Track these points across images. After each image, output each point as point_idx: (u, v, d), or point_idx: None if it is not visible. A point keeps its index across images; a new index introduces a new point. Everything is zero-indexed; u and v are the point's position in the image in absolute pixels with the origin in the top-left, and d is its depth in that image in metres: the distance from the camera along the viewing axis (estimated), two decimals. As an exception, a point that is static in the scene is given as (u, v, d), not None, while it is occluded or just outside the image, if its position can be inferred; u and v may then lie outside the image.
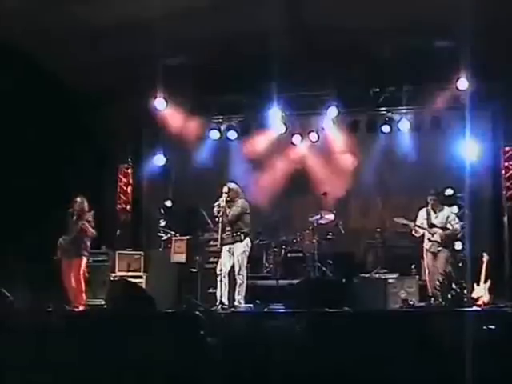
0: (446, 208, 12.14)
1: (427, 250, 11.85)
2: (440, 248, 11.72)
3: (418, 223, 11.90)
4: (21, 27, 11.64)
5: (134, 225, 15.94)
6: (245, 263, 11.00)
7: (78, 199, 11.54)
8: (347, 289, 11.58)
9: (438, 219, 11.85)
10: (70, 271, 11.33)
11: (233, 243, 10.90)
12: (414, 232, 11.97)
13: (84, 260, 11.49)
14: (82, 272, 11.40)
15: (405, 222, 12.03)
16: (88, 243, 11.57)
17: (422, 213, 11.98)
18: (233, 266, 10.91)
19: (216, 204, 11.01)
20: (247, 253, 11.05)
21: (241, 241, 10.96)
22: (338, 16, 11.85)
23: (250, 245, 11.14)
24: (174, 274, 12.44)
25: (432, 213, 11.90)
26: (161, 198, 15.73)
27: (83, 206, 11.51)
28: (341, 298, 9.82)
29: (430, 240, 11.79)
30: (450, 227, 11.82)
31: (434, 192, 12.04)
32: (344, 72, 13.77)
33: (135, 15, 11.59)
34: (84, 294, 11.40)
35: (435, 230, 11.75)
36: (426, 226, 11.82)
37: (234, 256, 10.89)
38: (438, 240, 11.71)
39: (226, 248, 10.92)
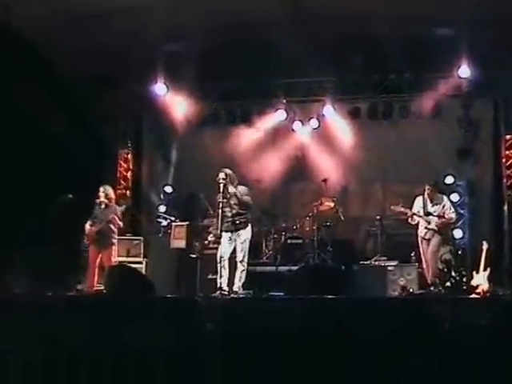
0: (442, 197, 12.12)
1: (422, 237, 11.86)
2: (434, 234, 11.73)
3: (414, 211, 11.91)
4: (19, 12, 11.58)
5: (133, 210, 15.95)
6: (247, 251, 10.95)
7: (102, 189, 11.69)
8: (347, 276, 11.59)
9: (434, 208, 11.84)
10: (95, 258, 11.47)
11: (236, 230, 10.84)
12: (410, 220, 11.97)
13: (113, 248, 11.74)
14: (113, 259, 11.70)
15: (402, 209, 12.03)
16: (116, 231, 11.73)
17: (419, 201, 11.98)
18: (233, 253, 10.86)
19: (222, 191, 10.88)
20: (249, 240, 11.01)
21: (244, 228, 10.92)
22: (340, 2, 11.82)
23: (251, 232, 11.09)
24: (173, 260, 12.43)
25: (428, 201, 11.88)
26: (161, 184, 15.76)
27: (110, 195, 11.69)
28: (340, 285, 9.82)
29: (426, 228, 11.79)
30: (446, 216, 11.82)
31: (433, 182, 12.01)
32: (345, 58, 13.74)
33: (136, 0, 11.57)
34: None
35: (431, 218, 11.75)
36: (422, 213, 11.82)
37: (235, 243, 10.83)
38: (434, 228, 11.72)
39: (227, 235, 10.84)
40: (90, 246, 11.57)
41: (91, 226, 11.52)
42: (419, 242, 11.94)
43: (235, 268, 10.82)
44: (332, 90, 14.76)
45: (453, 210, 12.05)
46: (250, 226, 11.02)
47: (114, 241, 11.75)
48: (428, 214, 11.78)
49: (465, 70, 13.50)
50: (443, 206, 11.89)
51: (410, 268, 12.22)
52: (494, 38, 12.51)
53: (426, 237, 11.80)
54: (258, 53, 12.93)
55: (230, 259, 10.83)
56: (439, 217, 11.77)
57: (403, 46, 12.67)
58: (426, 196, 11.89)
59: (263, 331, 7.06)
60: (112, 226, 11.57)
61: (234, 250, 10.83)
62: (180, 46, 13.25)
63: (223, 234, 10.82)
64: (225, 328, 7.18)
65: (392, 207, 12.28)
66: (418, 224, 11.96)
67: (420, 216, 11.82)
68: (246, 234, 10.89)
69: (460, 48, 12.93)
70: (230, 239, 10.80)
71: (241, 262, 10.80)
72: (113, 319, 7.43)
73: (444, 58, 13.09)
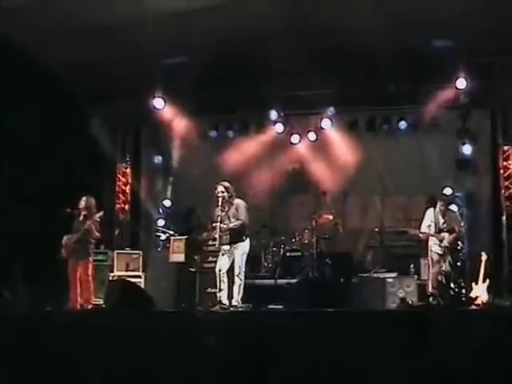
0: (453, 210, 12.04)
1: (435, 252, 11.64)
2: (447, 250, 11.59)
3: (425, 225, 11.70)
4: (22, 24, 11.64)
5: (132, 224, 15.95)
6: (244, 264, 10.90)
7: (84, 198, 11.39)
8: (346, 288, 11.59)
9: (445, 223, 11.68)
10: (75, 271, 11.18)
11: (234, 243, 10.81)
12: (421, 235, 11.81)
13: (91, 260, 11.40)
14: (90, 272, 11.31)
15: (417, 232, 11.81)
16: (93, 243, 11.48)
17: (430, 214, 11.75)
18: (231, 266, 10.83)
19: (219, 205, 10.87)
20: (247, 253, 10.99)
21: (242, 241, 10.89)
22: (337, 15, 11.87)
23: (249, 245, 11.06)
24: (172, 274, 12.41)
25: (440, 217, 11.71)
26: (159, 198, 15.75)
27: (91, 206, 11.37)
28: (339, 298, 9.83)
29: (439, 245, 11.62)
30: (457, 230, 11.68)
31: (445, 196, 11.92)
32: (343, 71, 13.78)
33: (135, 14, 11.60)
34: (92, 294, 11.34)
35: (443, 235, 11.59)
36: (433, 228, 11.62)
37: (233, 256, 10.80)
38: (447, 245, 11.56)
39: (225, 248, 10.82)
40: (69, 259, 11.22)
41: (69, 237, 11.25)
42: (429, 254, 11.74)
43: (233, 282, 10.78)
44: (330, 102, 14.77)
45: (462, 223, 11.93)
46: (248, 238, 10.97)
47: (91, 252, 11.42)
48: (440, 231, 11.62)
49: (462, 81, 13.52)
50: (454, 220, 11.74)
51: (409, 280, 12.19)
52: (491, 48, 12.60)
53: (440, 252, 11.60)
54: (257, 66, 12.97)
55: (228, 272, 10.79)
56: (449, 231, 11.61)
57: (401, 58, 12.71)
58: (437, 210, 11.72)
59: (262, 344, 7.05)
60: (89, 237, 11.27)
61: (233, 263, 10.80)
62: (178, 60, 13.29)
63: (221, 247, 10.82)
64: (225, 341, 7.18)
65: (409, 231, 12.09)
66: (427, 237, 11.79)
67: (434, 235, 11.64)
68: (244, 246, 10.86)
69: (457, 59, 12.96)
70: (229, 252, 10.78)
71: (238, 275, 10.77)
72: (112, 333, 7.44)
73: (442, 69, 13.13)
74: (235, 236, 10.82)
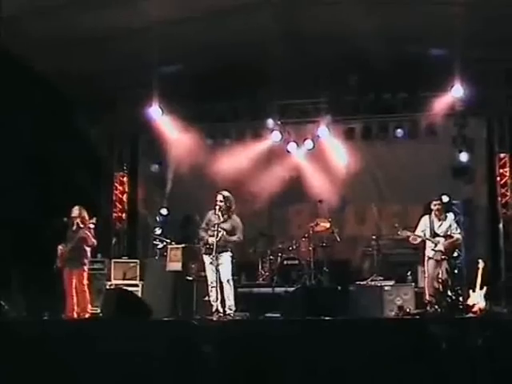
0: (448, 216, 12.03)
1: (430, 257, 11.61)
2: (444, 256, 11.56)
3: (419, 230, 11.70)
4: (21, 33, 11.65)
5: (129, 233, 15.93)
6: (230, 271, 10.99)
7: (76, 208, 11.43)
8: (343, 296, 11.58)
9: (441, 228, 11.67)
10: (71, 280, 11.20)
11: (222, 252, 10.84)
12: (412, 240, 11.80)
13: (86, 269, 11.41)
14: (85, 281, 11.33)
15: (409, 234, 11.82)
16: (88, 252, 11.47)
17: (425, 220, 11.75)
18: (220, 274, 10.87)
19: (220, 213, 10.90)
20: (230, 261, 11.04)
21: (225, 252, 10.92)
22: (334, 24, 11.90)
23: (231, 255, 11.13)
24: (169, 283, 12.40)
25: (435, 221, 11.69)
26: (156, 207, 15.73)
27: (83, 215, 11.39)
28: (337, 306, 9.82)
29: (433, 249, 11.61)
30: (453, 236, 11.66)
31: (438, 199, 11.93)
32: (339, 79, 13.81)
33: (132, 23, 11.62)
34: (89, 303, 11.31)
35: (438, 239, 11.57)
36: (428, 234, 11.63)
37: (221, 264, 10.83)
38: (442, 249, 11.53)
39: (210, 257, 10.87)
40: (64, 268, 11.23)
41: (63, 246, 11.26)
42: (425, 261, 11.73)
43: (223, 288, 10.80)
44: (326, 110, 14.78)
45: (458, 230, 11.89)
46: (230, 251, 11.05)
47: (86, 261, 11.42)
48: (435, 235, 11.61)
49: (458, 89, 13.55)
50: (449, 226, 11.73)
51: (406, 288, 12.19)
52: (487, 56, 12.64)
53: (435, 257, 11.58)
54: (253, 74, 12.98)
55: (219, 281, 10.80)
56: (446, 237, 11.59)
57: (397, 66, 12.74)
58: (433, 215, 11.71)
59: (260, 352, 7.04)
60: (84, 246, 11.31)
61: (218, 272, 10.81)
62: (175, 68, 13.31)
63: (204, 256, 10.95)
64: (222, 350, 7.16)
65: (400, 232, 12.07)
66: (424, 243, 11.77)
67: (427, 239, 11.63)
68: (226, 255, 10.90)
69: (453, 67, 12.99)
70: (211, 261, 10.81)
71: (228, 281, 10.81)
72: (109, 342, 7.42)
73: (438, 77, 13.17)
74: (225, 247, 10.87)
